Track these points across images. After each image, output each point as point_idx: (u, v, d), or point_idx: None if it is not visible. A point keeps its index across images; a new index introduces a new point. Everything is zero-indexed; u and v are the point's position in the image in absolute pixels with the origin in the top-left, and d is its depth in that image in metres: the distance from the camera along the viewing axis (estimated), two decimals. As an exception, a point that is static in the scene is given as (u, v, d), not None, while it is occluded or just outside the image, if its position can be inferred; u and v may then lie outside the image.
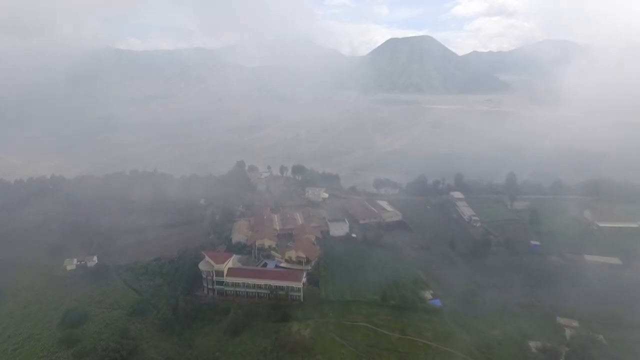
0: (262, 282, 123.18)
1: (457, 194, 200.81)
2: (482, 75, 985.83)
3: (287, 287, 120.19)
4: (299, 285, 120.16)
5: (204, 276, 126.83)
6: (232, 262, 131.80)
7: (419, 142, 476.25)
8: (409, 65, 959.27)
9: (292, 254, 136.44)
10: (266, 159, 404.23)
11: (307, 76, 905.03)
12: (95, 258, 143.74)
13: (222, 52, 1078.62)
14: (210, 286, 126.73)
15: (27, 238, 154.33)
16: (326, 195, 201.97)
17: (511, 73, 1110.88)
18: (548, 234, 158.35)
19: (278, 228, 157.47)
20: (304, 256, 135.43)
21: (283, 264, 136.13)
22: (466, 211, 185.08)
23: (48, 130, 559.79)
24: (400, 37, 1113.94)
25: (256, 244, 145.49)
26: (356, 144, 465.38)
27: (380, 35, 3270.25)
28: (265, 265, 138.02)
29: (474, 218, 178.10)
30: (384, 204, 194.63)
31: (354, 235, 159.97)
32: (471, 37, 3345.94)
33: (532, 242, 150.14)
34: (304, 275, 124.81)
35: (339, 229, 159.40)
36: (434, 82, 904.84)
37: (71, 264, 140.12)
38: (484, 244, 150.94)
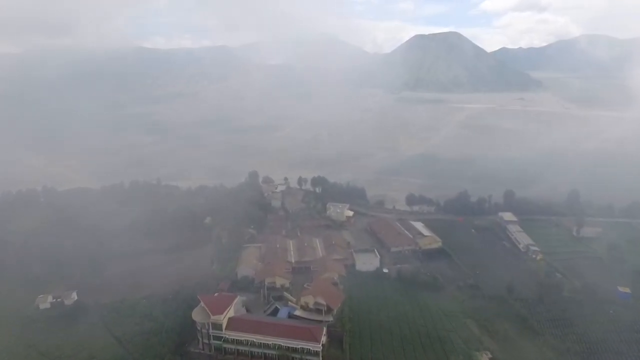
0: (270, 340, 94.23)
1: (508, 215, 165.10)
2: (512, 73, 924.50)
3: (302, 348, 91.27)
4: (318, 347, 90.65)
5: (198, 328, 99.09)
6: (234, 307, 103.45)
7: (447, 144, 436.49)
8: (436, 62, 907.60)
9: (309, 299, 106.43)
10: (285, 161, 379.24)
11: (329, 74, 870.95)
12: (74, 294, 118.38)
13: (244, 50, 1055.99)
14: (206, 341, 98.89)
15: (2, 263, 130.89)
16: (350, 213, 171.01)
17: (544, 70, 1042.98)
18: (639, 277, 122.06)
19: (293, 260, 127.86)
20: (324, 303, 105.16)
21: (298, 312, 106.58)
22: (521, 238, 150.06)
23: (68, 129, 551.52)
24: (426, 33, 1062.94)
25: (266, 283, 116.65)
26: (380, 145, 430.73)
27: (405, 32, 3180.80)
28: (276, 310, 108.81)
29: (532, 248, 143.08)
30: (418, 225, 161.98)
31: (385, 270, 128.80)
32: (500, 33, 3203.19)
33: (620, 288, 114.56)
34: (324, 331, 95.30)
35: (367, 263, 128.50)
36: (461, 80, 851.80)
37: (45, 302, 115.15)
38: (554, 288, 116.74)
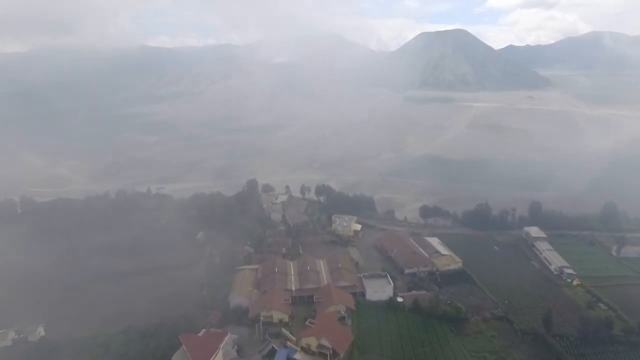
0: (264, 396, 76.26)
1: (535, 231, 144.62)
2: (520, 71, 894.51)
3: (303, 409, 72.85)
4: (322, 406, 72.49)
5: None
6: (223, 349, 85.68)
7: (455, 144, 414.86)
8: (442, 60, 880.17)
9: (312, 341, 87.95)
10: (288, 162, 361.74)
11: (334, 72, 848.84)
12: (41, 329, 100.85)
13: (248, 48, 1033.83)
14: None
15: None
16: (358, 227, 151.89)
17: (551, 68, 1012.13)
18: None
19: (294, 288, 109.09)
20: (330, 346, 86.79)
21: (298, 356, 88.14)
22: (553, 258, 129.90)
23: (70, 128, 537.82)
24: (432, 31, 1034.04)
25: (262, 316, 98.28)
26: (386, 146, 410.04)
27: (410, 30, 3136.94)
28: (273, 352, 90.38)
29: (567, 271, 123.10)
30: (434, 242, 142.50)
31: (399, 299, 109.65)
32: (506, 30, 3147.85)
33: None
34: (330, 384, 76.92)
35: (379, 291, 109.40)
36: (468, 78, 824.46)
37: (5, 339, 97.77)
38: (601, 324, 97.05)
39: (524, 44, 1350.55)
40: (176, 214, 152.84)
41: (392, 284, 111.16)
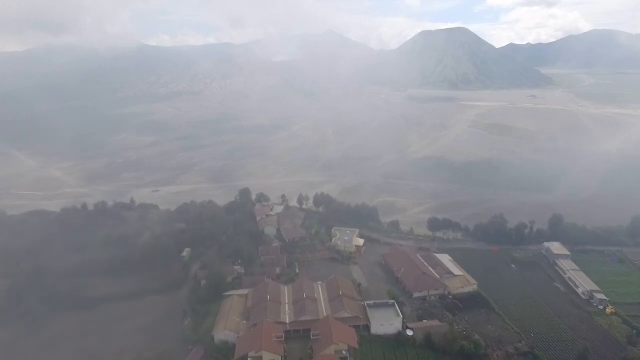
0: None
1: (557, 247, 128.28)
2: (521, 69, 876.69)
3: None
4: None
5: None
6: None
7: (459, 144, 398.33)
8: (443, 58, 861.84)
9: (307, 393, 72.58)
10: (288, 163, 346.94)
11: (335, 71, 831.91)
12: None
13: (248, 47, 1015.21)
14: None
15: None
16: (361, 241, 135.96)
17: (553, 66, 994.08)
18: None
19: (288, 320, 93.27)
20: (329, 400, 71.27)
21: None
22: (580, 280, 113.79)
23: (66, 129, 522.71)
24: (432, 29, 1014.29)
25: (249, 357, 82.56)
26: (388, 146, 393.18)
27: (410, 29, 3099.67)
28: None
29: (597, 296, 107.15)
30: (444, 259, 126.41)
31: (409, 332, 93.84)
32: (507, 29, 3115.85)
33: None
34: None
35: (385, 323, 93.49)
36: (469, 77, 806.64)
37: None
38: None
39: (525, 42, 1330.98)
40: (161, 227, 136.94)
41: (401, 315, 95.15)
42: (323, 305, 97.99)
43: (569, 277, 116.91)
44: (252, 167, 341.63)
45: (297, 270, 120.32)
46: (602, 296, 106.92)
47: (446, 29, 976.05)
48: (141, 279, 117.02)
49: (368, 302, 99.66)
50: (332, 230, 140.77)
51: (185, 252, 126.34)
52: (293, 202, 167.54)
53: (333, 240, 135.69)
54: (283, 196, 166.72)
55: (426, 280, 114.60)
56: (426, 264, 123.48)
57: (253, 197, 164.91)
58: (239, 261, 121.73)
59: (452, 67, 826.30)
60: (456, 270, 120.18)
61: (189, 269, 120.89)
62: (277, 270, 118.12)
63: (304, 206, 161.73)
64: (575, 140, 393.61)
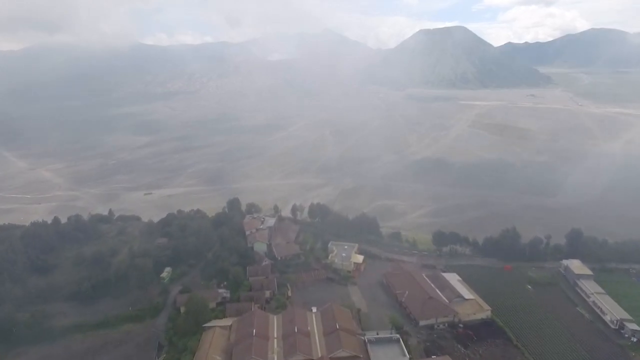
0: None
1: (577, 266, 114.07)
2: (520, 68, 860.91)
3: None
4: None
5: None
6: None
7: (459, 145, 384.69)
8: (441, 58, 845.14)
9: None
10: (284, 165, 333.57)
11: (333, 70, 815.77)
12: None
13: (246, 45, 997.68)
14: None
15: None
16: (360, 258, 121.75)
17: (551, 65, 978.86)
18: None
19: (276, 359, 79.20)
20: None
21: None
22: (607, 306, 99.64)
23: (59, 129, 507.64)
24: (431, 28, 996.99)
25: (228, 412, 68.36)
26: (387, 147, 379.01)
27: (409, 28, 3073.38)
28: None
29: (629, 326, 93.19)
30: (453, 279, 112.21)
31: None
32: (505, 28, 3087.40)
33: None
34: None
35: (389, 363, 79.73)
36: (468, 76, 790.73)
37: None
38: None
39: (523, 42, 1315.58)
40: (140, 244, 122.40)
41: (407, 355, 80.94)
42: (317, 341, 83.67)
43: (593, 302, 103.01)
44: (249, 168, 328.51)
45: (290, 294, 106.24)
46: (634, 326, 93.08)
47: (445, 28, 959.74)
48: (114, 304, 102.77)
49: (369, 336, 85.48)
50: (329, 245, 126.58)
51: (166, 273, 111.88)
52: (287, 212, 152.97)
53: (330, 257, 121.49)
54: (276, 207, 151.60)
55: (434, 305, 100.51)
56: (433, 285, 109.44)
57: (243, 207, 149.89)
58: (225, 283, 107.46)
59: (451, 67, 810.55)
60: (467, 293, 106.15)
61: (169, 293, 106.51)
62: (267, 294, 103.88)
63: (298, 217, 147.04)
64: (578, 140, 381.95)
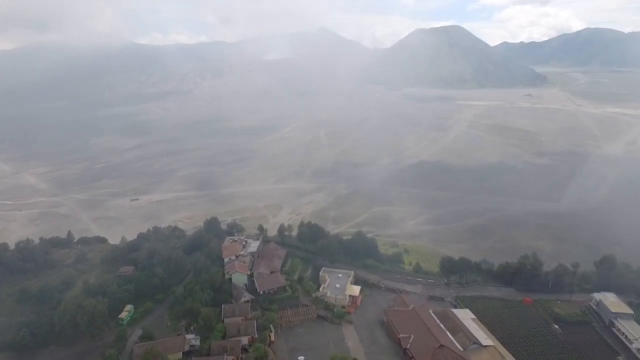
0: None
1: (613, 301, 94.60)
2: (517, 68, 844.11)
3: None
4: None
5: None
6: None
7: (458, 147, 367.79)
8: (438, 57, 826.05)
9: None
10: (277, 168, 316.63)
11: (329, 70, 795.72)
12: None
13: (241, 45, 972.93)
14: None
15: None
16: (357, 290, 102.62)
17: (547, 65, 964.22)
18: None
19: None
20: None
21: None
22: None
23: (46, 131, 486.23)
24: (427, 27, 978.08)
25: None
26: (383, 149, 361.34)
27: (405, 27, 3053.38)
28: None
29: (684, 385, 75.32)
30: (466, 318, 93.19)
31: None
32: (500, 27, 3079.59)
33: None
34: None
35: None
36: (465, 76, 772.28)
37: None
38: None
39: (518, 41, 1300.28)
40: (99, 274, 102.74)
41: None
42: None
43: (638, 349, 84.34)
44: (240, 173, 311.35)
45: (272, 338, 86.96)
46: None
47: (441, 27, 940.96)
48: (59, 356, 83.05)
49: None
50: (321, 272, 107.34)
51: (125, 312, 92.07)
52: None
53: (321, 288, 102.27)
54: (261, 227, 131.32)
55: (446, 356, 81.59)
56: (443, 326, 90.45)
57: (224, 226, 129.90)
58: (194, 327, 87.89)
59: (447, 66, 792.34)
60: (484, 338, 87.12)
61: (127, 339, 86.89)
62: (244, 340, 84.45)
63: (286, 236, 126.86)
64: (579, 142, 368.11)
